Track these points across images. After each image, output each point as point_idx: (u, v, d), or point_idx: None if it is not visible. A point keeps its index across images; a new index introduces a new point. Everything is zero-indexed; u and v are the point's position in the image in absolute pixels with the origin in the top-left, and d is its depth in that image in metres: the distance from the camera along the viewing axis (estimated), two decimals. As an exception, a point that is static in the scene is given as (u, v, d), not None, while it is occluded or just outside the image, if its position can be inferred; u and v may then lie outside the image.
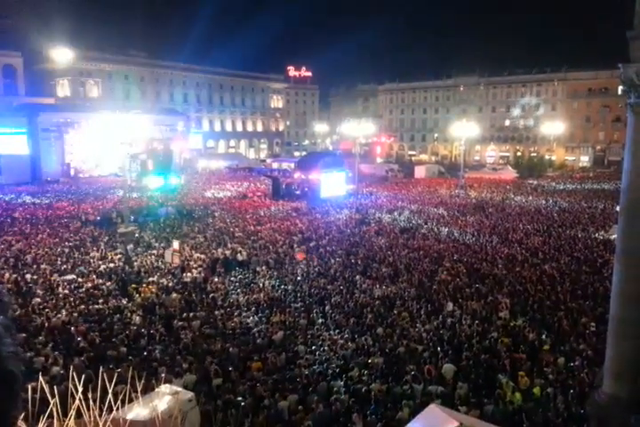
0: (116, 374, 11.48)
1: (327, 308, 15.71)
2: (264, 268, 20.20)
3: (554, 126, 66.69)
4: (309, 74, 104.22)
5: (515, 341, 13.28)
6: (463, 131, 50.12)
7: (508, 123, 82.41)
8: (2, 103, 56.83)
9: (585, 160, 74.28)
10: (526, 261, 20.59)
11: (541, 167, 58.81)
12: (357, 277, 18.75)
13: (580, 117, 73.88)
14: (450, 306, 15.63)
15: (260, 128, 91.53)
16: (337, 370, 11.82)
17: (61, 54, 60.97)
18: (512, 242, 24.01)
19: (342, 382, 11.20)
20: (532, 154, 72.56)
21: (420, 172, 58.84)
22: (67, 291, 16.77)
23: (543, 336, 13.50)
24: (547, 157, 68.49)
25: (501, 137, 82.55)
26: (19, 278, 17.64)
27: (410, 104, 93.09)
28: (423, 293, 16.96)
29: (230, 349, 12.87)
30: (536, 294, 16.66)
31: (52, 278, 17.88)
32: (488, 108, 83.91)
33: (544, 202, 36.86)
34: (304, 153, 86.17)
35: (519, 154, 75.95)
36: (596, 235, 25.48)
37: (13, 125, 49.22)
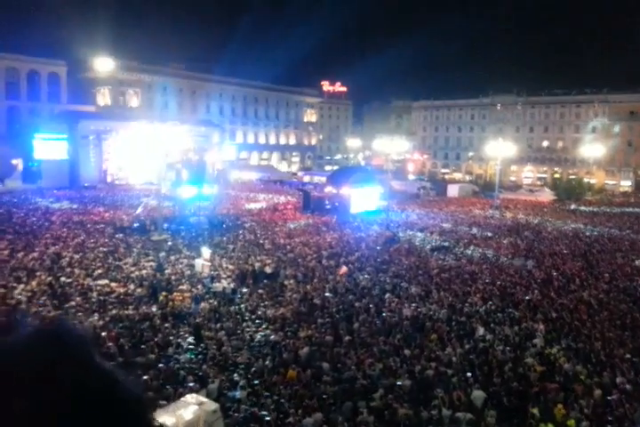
0: (144, 381, 11.64)
1: (355, 325, 15.50)
2: (292, 281, 20.16)
3: (593, 149, 65.09)
4: (344, 89, 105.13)
5: (548, 369, 12.80)
6: (499, 150, 49.41)
7: (546, 143, 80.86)
8: (45, 110, 59.12)
9: (626, 185, 71.99)
10: (562, 288, 19.94)
11: (580, 190, 57.20)
12: (387, 295, 18.49)
13: (621, 140, 71.87)
14: (481, 330, 15.21)
15: (292, 141, 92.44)
16: (362, 390, 11.59)
17: (103, 64, 63.37)
18: (548, 266, 23.33)
19: (368, 403, 10.97)
20: (571, 176, 70.80)
21: (452, 190, 58.09)
22: (99, 296, 17.07)
23: (578, 366, 12.96)
24: (586, 180, 66.66)
25: (539, 158, 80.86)
26: (53, 281, 18.07)
27: (444, 122, 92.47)
28: (454, 315, 16.58)
29: (256, 362, 12.82)
30: (572, 321, 16.08)
31: (86, 283, 18.24)
32: (525, 128, 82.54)
33: (582, 226, 35.81)
34: (336, 167, 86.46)
35: (557, 176, 74.26)
36: (637, 262, 24.53)
37: (55, 131, 50.93)
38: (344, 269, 21.64)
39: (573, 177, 69.17)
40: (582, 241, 30.12)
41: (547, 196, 55.09)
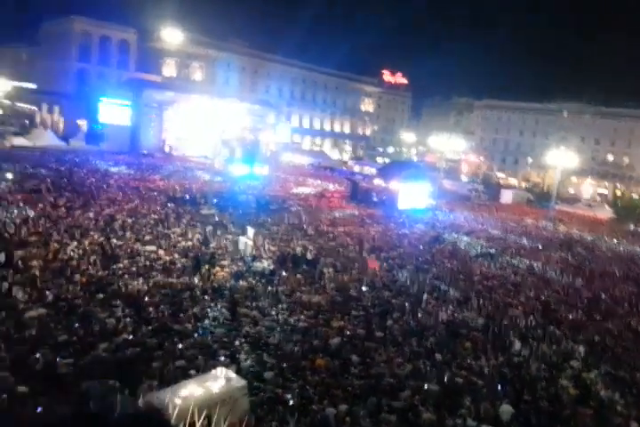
0: (178, 349, 12.00)
1: (389, 322, 15.40)
2: (331, 270, 20.19)
3: (662, 168, 61.49)
4: (404, 81, 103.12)
5: (583, 394, 12.34)
6: (560, 160, 47.43)
7: (611, 158, 76.99)
8: (113, 75, 61.03)
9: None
10: (610, 311, 19.10)
11: (642, 210, 54.35)
12: (424, 296, 18.25)
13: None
14: (518, 344, 14.81)
15: (347, 129, 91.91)
16: (389, 388, 11.53)
17: (172, 35, 64.68)
18: (597, 287, 22.40)
19: (392, 402, 10.91)
20: (634, 195, 67.27)
21: (506, 196, 56.37)
22: (146, 261, 17.64)
23: (616, 395, 12.43)
24: (648, 200, 63.27)
25: (601, 172, 77.14)
26: (105, 242, 18.80)
27: (506, 124, 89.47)
28: (491, 325, 16.19)
29: (287, 345, 12.96)
30: (615, 347, 15.42)
31: (135, 247, 18.89)
32: (591, 139, 78.77)
33: (639, 249, 34.09)
34: (387, 160, 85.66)
35: (619, 193, 70.75)
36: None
37: (120, 97, 52.61)
38: (375, 263, 21.43)
39: (636, 196, 65.69)
40: (637, 264, 28.70)
41: (605, 213, 52.66)
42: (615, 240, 36.70)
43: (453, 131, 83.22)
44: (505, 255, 27.04)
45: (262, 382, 11.08)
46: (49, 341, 11.34)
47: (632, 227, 46.26)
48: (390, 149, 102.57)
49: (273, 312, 15.11)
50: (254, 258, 20.05)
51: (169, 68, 70.65)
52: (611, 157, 77.24)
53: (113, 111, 52.18)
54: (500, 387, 12.16)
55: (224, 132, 54.47)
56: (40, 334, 11.51)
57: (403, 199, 38.84)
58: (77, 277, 15.08)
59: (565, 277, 23.74)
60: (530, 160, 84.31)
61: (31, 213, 20.88)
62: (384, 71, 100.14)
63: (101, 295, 14.06)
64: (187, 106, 54.69)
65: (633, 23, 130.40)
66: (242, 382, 9.96)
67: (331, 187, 45.44)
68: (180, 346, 12.12)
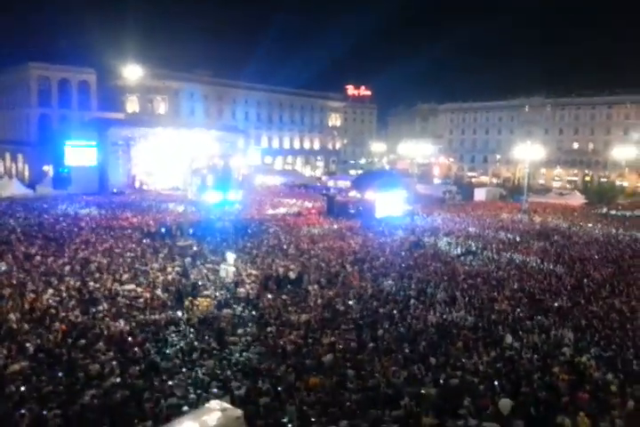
0: (168, 386, 11.75)
1: (379, 332, 15.35)
2: (316, 287, 20.11)
3: (626, 151, 63.23)
4: (368, 93, 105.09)
5: (578, 379, 12.42)
6: (528, 153, 48.45)
7: (576, 146, 79.00)
8: (75, 117, 60.67)
9: (660, 187, 69.77)
10: (593, 294, 19.38)
11: (612, 194, 55.56)
12: (412, 301, 18.27)
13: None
14: (509, 338, 14.88)
15: (317, 146, 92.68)
16: (387, 398, 11.45)
17: (132, 71, 64.74)
18: (578, 272, 22.72)
19: (392, 412, 10.82)
20: (602, 179, 68.90)
21: (479, 194, 57.20)
22: (126, 300, 17.34)
23: (610, 376, 12.54)
24: (618, 183, 64.76)
25: (569, 161, 79.04)
26: (82, 286, 18.45)
27: (471, 124, 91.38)
28: (481, 322, 16.27)
29: (280, 368, 12.80)
30: (603, 329, 15.61)
31: (113, 287, 18.57)
32: (555, 130, 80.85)
33: (614, 231, 34.78)
34: (360, 171, 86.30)
35: (588, 179, 72.41)
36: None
37: (85, 138, 52.25)
38: (356, 277, 21.49)
39: (605, 180, 67.34)
40: (614, 246, 29.25)
41: (577, 199, 53.72)
42: (590, 225, 37.45)
43: (421, 136, 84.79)
44: (486, 251, 27.31)
45: (259, 408, 10.90)
46: (34, 394, 11.02)
47: (604, 210, 47.31)
48: (362, 161, 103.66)
49: (262, 337, 14.95)
50: (237, 284, 19.87)
51: (132, 105, 70.63)
52: (576, 145, 79.27)
53: (79, 153, 51.75)
54: (496, 382, 12.17)
55: (194, 161, 54.41)
56: (24, 388, 11.17)
57: (379, 208, 39.11)
58: (57, 325, 14.74)
59: (546, 266, 24.07)
60: (498, 157, 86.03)
61: (2, 267, 20.42)
62: (347, 86, 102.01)
63: (83, 341, 13.75)
64: (153, 140, 54.59)
65: (585, 18, 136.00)
66: (238, 412, 9.80)
67: (307, 204, 45.54)
68: (170, 383, 11.89)
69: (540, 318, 16.70)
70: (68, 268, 20.78)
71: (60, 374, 11.93)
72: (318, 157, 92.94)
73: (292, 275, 21.27)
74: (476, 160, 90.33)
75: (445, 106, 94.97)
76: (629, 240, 31.33)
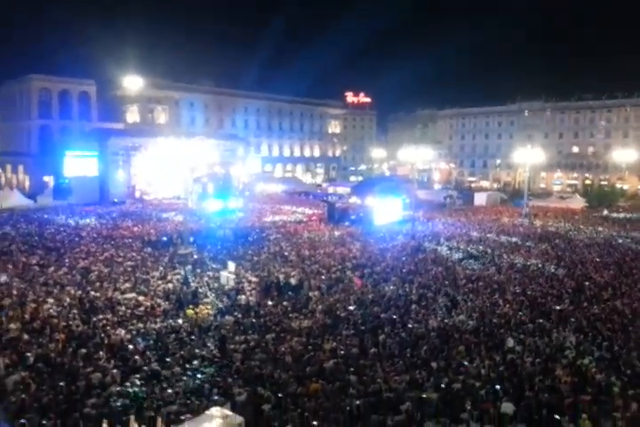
0: (169, 394, 11.71)
1: (381, 337, 15.30)
2: (317, 293, 20.09)
3: (626, 154, 63.25)
4: (368, 100, 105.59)
5: (580, 381, 12.36)
6: (528, 157, 48.50)
7: (576, 149, 79.09)
8: (76, 128, 61.07)
9: (661, 190, 69.70)
10: (595, 297, 19.31)
11: (613, 197, 55.46)
12: (413, 306, 18.23)
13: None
14: (511, 342, 14.82)
15: (317, 153, 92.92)
16: (389, 403, 11.40)
17: (132, 82, 65.24)
18: (579, 275, 22.67)
19: (394, 417, 10.77)
20: (603, 182, 68.85)
21: (480, 199, 57.22)
22: (127, 309, 17.32)
23: (612, 378, 12.47)
24: (618, 185, 64.71)
25: (569, 164, 79.09)
26: (83, 295, 18.45)
27: (471, 129, 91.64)
28: (482, 326, 16.21)
29: (281, 374, 12.76)
30: (605, 332, 15.54)
31: (114, 296, 18.56)
32: (555, 133, 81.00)
33: (615, 234, 34.71)
34: (360, 178, 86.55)
35: (588, 182, 72.38)
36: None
37: (85, 149, 52.53)
38: (359, 281, 21.48)
39: (605, 183, 67.30)
40: (615, 249, 29.18)
41: (578, 203, 53.67)
42: (591, 228, 37.40)
43: (421, 142, 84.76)
44: (486, 255, 27.28)
45: (260, 415, 10.86)
46: (34, 404, 10.99)
47: (605, 213, 47.26)
48: (362, 167, 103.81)
49: (263, 344, 14.91)
50: (238, 291, 19.85)
51: (132, 115, 71.05)
52: (576, 149, 79.34)
53: (79, 163, 52.00)
54: (498, 386, 12.11)
55: (194, 170, 54.58)
56: (24, 397, 11.14)
57: (380, 214, 39.13)
58: (57, 334, 14.72)
59: (548, 270, 24.01)
60: (498, 161, 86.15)
61: (3, 277, 20.43)
62: (347, 93, 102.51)
63: (84, 350, 13.72)
64: (154, 149, 54.78)
65: (584, 21, 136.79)
66: (239, 419, 9.77)
67: (307, 211, 45.58)
68: (171, 391, 11.85)
69: (541, 321, 16.63)
70: (68, 277, 20.80)
71: (60, 384, 11.90)
72: (318, 164, 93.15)
73: (292, 281, 21.27)
74: (476, 165, 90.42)
75: (445, 112, 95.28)
76: (630, 242, 31.26)
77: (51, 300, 17.67)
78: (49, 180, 55.31)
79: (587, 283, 21.32)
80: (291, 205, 49.44)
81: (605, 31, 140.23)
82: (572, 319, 16.74)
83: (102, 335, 14.85)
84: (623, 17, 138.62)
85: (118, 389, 11.81)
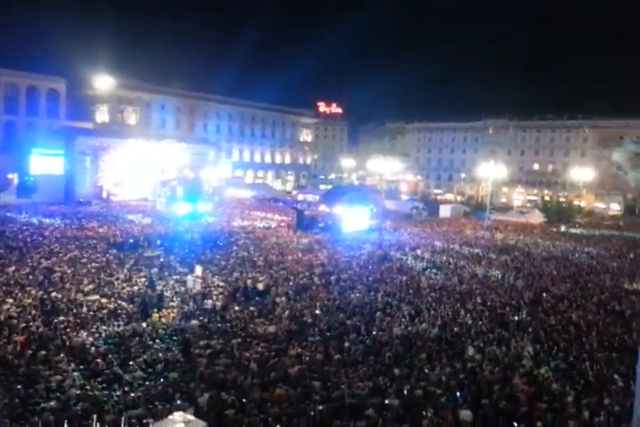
0: (131, 398, 11.57)
1: (345, 344, 15.51)
2: (283, 299, 20.17)
3: (583, 173, 65.94)
4: (339, 110, 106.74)
5: (537, 390, 12.84)
6: (490, 172, 50.00)
7: (536, 166, 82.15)
8: (43, 125, 59.44)
9: (615, 208, 72.85)
10: (552, 308, 20.07)
11: (570, 213, 57.65)
12: (378, 314, 18.53)
13: (610, 165, 73.09)
14: (471, 350, 15.26)
15: (288, 160, 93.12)
16: (351, 409, 11.58)
17: (103, 81, 64.04)
18: (538, 287, 23.50)
19: (357, 423, 10.95)
20: (561, 199, 71.48)
21: (445, 211, 58.54)
22: (90, 311, 16.99)
23: (567, 387, 13.01)
24: (576, 202, 67.33)
25: (529, 180, 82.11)
26: (45, 296, 17.99)
27: (437, 143, 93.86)
28: (444, 334, 16.64)
29: (245, 380, 12.77)
30: (561, 342, 16.18)
31: (77, 298, 18.17)
32: (517, 151, 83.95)
33: (572, 248, 36.11)
34: (330, 186, 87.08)
35: (547, 198, 74.97)
36: (625, 285, 24.75)
37: (52, 147, 51.15)
38: (322, 290, 21.71)
39: (563, 200, 69.86)
40: (571, 263, 30.35)
41: (537, 217, 55.53)
42: (548, 242, 38.76)
43: (390, 154, 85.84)
44: (450, 266, 27.94)
45: (223, 420, 10.85)
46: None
47: (563, 228, 49.07)
48: (332, 176, 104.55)
49: (228, 348, 14.88)
50: (204, 296, 19.73)
51: (102, 115, 69.64)
52: (536, 166, 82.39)
53: (45, 161, 50.57)
54: (458, 393, 12.46)
55: (163, 172, 53.86)
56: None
57: (347, 222, 39.55)
58: (16, 335, 14.32)
59: (507, 281, 24.80)
60: (463, 175, 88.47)
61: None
62: (319, 103, 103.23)
63: (43, 352, 13.40)
64: (123, 150, 53.79)
65: (548, 45, 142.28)
66: (201, 424, 9.74)
67: (276, 217, 45.60)
68: (133, 395, 11.71)
69: (500, 330, 17.17)
70: (30, 277, 20.23)
71: (17, 387, 11.60)
72: (289, 172, 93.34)
73: (260, 286, 21.29)
74: (441, 178, 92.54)
75: (413, 125, 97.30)
76: (586, 257, 32.57)
77: (10, 300, 17.17)
78: (13, 177, 53.56)
79: (544, 295, 22.11)
80: (260, 211, 49.36)
81: (567, 54, 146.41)
82: (530, 330, 17.34)
83: (63, 337, 14.54)
84: (585, 41, 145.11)
85: (78, 392, 11.60)
